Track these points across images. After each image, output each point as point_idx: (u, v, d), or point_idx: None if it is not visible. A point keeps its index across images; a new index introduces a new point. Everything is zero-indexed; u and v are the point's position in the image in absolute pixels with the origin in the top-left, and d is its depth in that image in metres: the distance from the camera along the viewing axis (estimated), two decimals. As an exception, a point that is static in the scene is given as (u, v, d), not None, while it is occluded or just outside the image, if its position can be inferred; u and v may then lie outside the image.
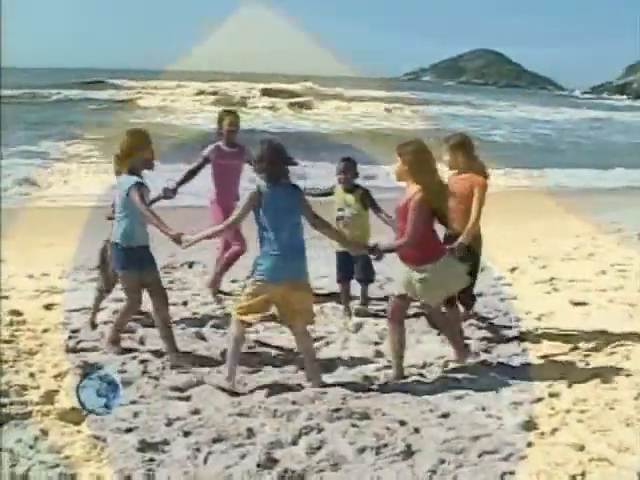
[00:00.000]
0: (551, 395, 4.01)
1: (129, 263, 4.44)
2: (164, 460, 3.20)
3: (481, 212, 4.78)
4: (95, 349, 4.61)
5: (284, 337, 4.82)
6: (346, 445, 3.37)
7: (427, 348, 4.76)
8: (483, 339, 4.97)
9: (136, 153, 4.43)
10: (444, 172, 4.97)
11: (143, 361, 4.41)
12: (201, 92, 38.52)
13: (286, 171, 4.01)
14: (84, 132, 19.76)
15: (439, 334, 4.91)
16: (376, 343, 4.92)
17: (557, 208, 10.99)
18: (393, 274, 4.52)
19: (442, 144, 5.02)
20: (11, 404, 3.60)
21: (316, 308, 5.54)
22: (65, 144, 17.88)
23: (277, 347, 4.79)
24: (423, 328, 5.13)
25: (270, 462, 3.19)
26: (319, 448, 3.33)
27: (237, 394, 4.00)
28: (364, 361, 4.59)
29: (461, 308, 5.01)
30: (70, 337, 4.78)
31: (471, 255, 4.73)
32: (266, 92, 39.96)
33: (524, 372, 4.39)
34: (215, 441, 3.37)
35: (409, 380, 4.28)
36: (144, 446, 3.29)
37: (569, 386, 4.12)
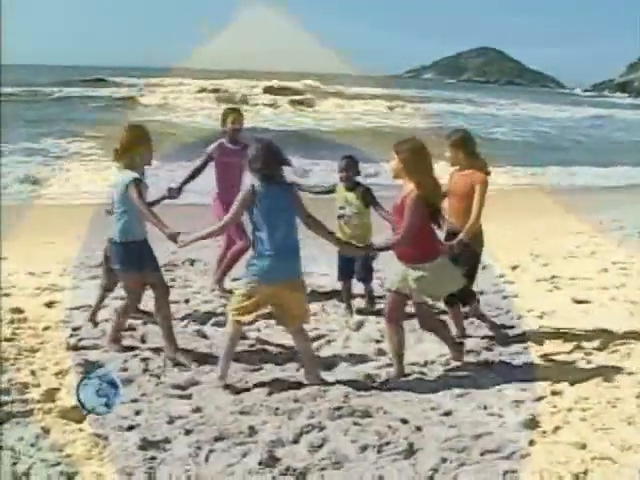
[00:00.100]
0: (553, 393, 4.00)
1: (128, 259, 4.42)
2: (165, 458, 3.19)
3: (482, 209, 4.76)
4: (96, 347, 4.60)
5: (285, 335, 4.81)
6: (348, 443, 3.36)
7: (428, 346, 4.74)
8: (485, 337, 4.96)
9: (135, 148, 4.41)
10: (446, 169, 4.97)
11: (144, 359, 4.41)
12: (202, 90, 38.42)
13: (281, 171, 3.96)
14: (85, 130, 19.70)
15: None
16: (377, 341, 4.90)
17: (558, 206, 10.97)
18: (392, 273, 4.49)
19: (444, 141, 4.99)
20: (12, 402, 3.59)
21: (317, 306, 5.56)
22: (66, 142, 17.88)
23: (278, 345, 4.77)
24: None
25: (272, 460, 3.19)
26: (321, 446, 3.33)
27: (236, 389, 4.00)
28: (365, 359, 4.58)
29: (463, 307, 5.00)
30: (71, 335, 4.78)
31: (471, 253, 4.71)
32: (267, 90, 39.91)
33: (526, 370, 4.38)
34: (217, 439, 3.37)
35: (411, 378, 4.27)
36: (145, 444, 3.28)
37: (571, 384, 4.10)
